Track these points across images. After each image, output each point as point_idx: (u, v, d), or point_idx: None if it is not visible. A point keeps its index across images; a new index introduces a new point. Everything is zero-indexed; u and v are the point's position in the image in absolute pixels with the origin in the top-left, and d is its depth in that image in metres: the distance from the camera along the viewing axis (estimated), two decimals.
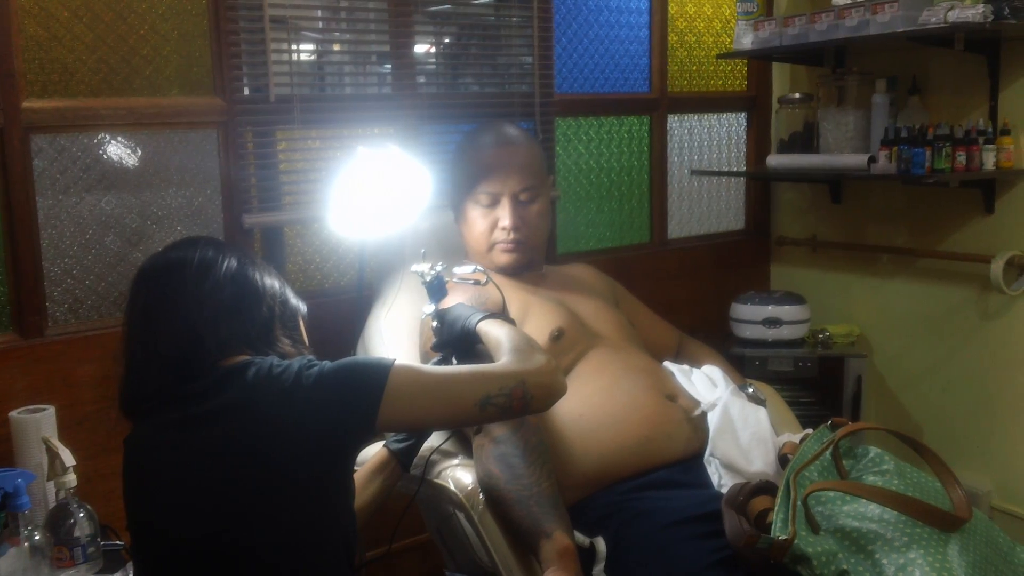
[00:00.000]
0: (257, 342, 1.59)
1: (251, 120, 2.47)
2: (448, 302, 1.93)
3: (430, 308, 1.91)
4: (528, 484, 1.75)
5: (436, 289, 1.91)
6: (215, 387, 1.50)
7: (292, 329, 1.67)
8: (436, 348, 1.90)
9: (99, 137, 2.31)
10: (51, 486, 2.02)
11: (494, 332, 1.77)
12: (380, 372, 1.51)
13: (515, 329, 1.79)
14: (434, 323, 1.90)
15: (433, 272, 1.90)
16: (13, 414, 2.08)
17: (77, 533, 1.93)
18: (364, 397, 1.49)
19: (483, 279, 1.99)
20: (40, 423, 2.08)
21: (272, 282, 1.65)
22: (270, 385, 1.48)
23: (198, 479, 1.48)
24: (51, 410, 2.11)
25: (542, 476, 1.76)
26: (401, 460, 1.85)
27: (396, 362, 1.52)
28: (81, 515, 1.94)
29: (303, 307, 1.72)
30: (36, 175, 2.21)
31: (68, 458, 1.98)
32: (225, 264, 1.59)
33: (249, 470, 1.46)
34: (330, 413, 1.48)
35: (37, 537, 1.90)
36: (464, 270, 1.99)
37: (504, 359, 1.64)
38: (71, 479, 1.97)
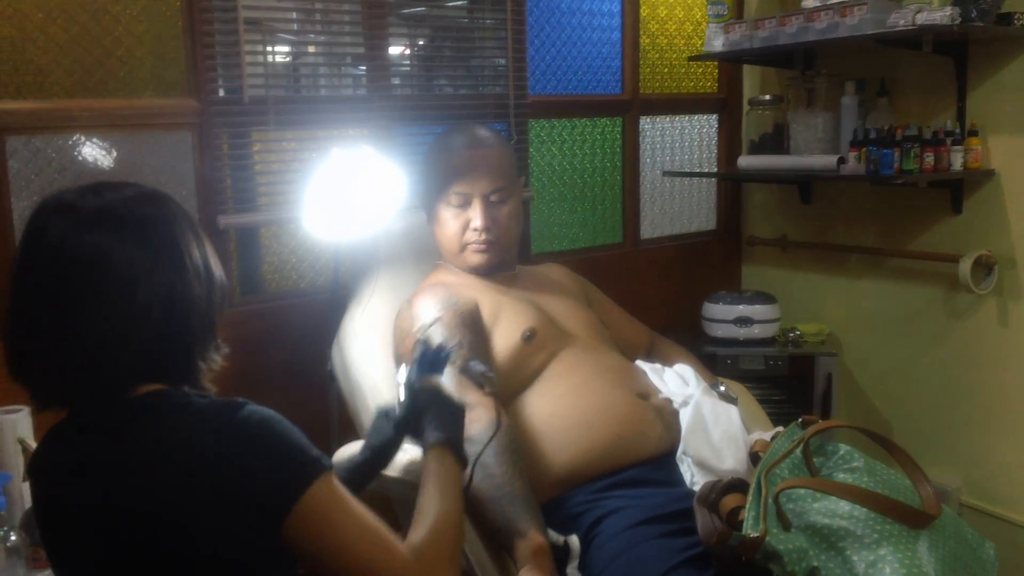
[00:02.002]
0: (175, 369, 1.33)
1: (226, 121, 2.47)
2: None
3: (406, 374, 1.72)
4: (501, 484, 1.75)
5: (434, 365, 1.72)
6: (121, 426, 1.27)
7: (213, 346, 1.39)
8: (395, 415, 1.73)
9: (74, 138, 2.29)
10: (27, 487, 2.01)
11: (431, 472, 1.55)
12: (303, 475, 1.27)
13: (448, 492, 1.52)
14: (401, 387, 1.72)
15: (446, 350, 1.74)
16: None
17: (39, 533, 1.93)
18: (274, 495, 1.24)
19: (490, 383, 1.88)
20: (15, 424, 2.06)
21: (202, 287, 1.35)
22: (184, 443, 1.24)
23: (85, 540, 1.29)
24: (26, 411, 2.09)
25: (515, 475, 1.77)
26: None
27: (325, 472, 1.28)
28: None
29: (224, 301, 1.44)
30: (11, 176, 2.20)
31: None
32: (166, 258, 1.31)
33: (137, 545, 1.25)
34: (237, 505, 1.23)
35: (13, 538, 1.90)
36: (477, 368, 1.89)
37: (416, 537, 1.40)
38: None
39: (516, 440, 1.86)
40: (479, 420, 1.83)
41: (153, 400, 1.29)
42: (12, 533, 1.91)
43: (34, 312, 1.27)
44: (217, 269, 1.39)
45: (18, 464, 2.02)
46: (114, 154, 2.36)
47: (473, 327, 2.05)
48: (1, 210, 2.19)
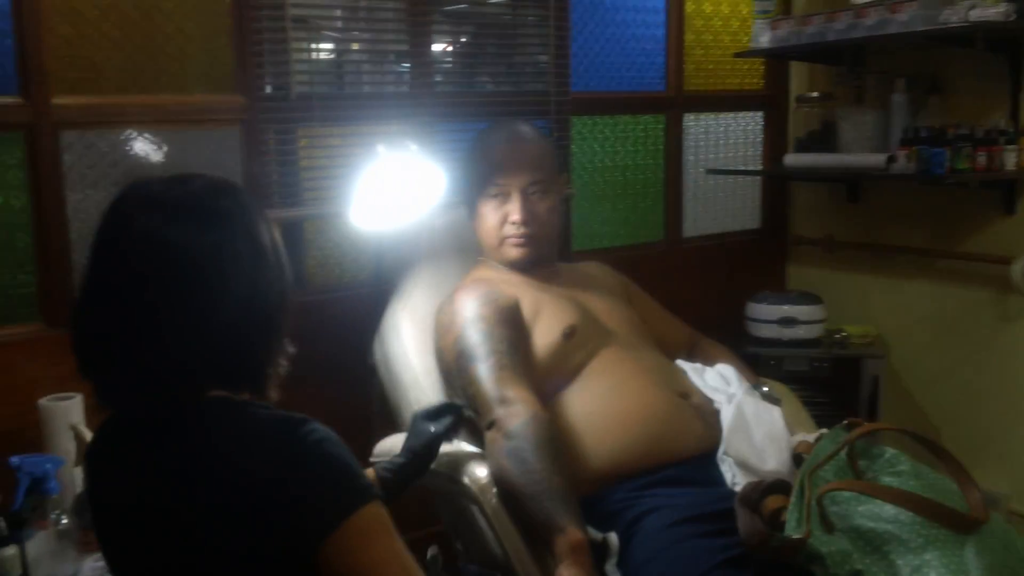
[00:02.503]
0: (246, 374, 1.31)
1: (273, 117, 2.50)
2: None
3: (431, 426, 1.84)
4: (540, 479, 1.75)
5: (448, 428, 1.86)
6: (184, 430, 1.26)
7: (282, 351, 1.36)
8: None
9: (126, 133, 2.34)
10: (78, 472, 2.05)
11: None
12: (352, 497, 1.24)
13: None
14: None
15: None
16: (42, 401, 2.12)
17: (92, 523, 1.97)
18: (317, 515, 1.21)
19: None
20: (68, 410, 2.11)
21: (280, 285, 1.33)
22: (240, 453, 1.22)
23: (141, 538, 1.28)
24: (79, 398, 2.14)
25: (554, 471, 1.77)
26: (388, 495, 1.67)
27: (375, 500, 1.26)
28: None
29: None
30: (65, 170, 2.25)
31: None
32: (248, 255, 1.28)
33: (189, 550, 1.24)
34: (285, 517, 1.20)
35: (64, 521, 1.94)
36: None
37: None
38: None
39: (556, 435, 1.86)
40: (518, 415, 1.84)
41: (217, 406, 1.27)
42: (64, 517, 1.95)
43: (113, 307, 1.24)
44: (289, 266, 1.36)
45: (70, 450, 2.07)
46: (164, 149, 2.40)
47: (513, 324, 2.05)
48: (56, 202, 2.24)
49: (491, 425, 1.87)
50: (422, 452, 1.81)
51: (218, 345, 1.25)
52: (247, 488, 1.20)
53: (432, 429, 1.84)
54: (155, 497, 1.24)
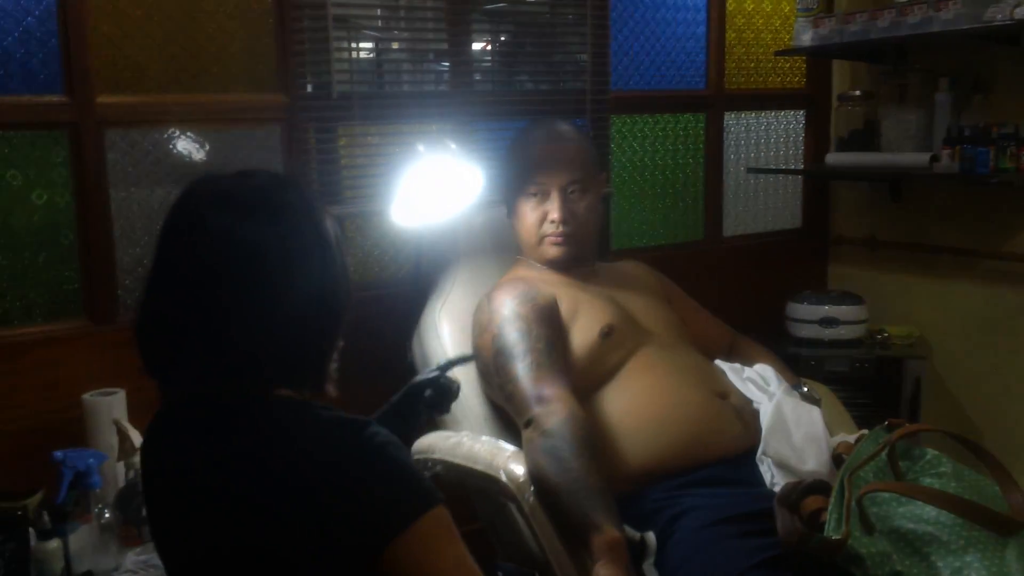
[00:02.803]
0: (311, 372, 1.33)
1: (313, 116, 2.52)
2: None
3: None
4: (577, 477, 1.75)
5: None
6: (249, 429, 1.26)
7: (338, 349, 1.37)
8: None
9: (169, 132, 2.37)
10: (121, 466, 2.08)
11: None
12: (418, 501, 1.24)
13: None
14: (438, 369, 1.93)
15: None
16: (86, 396, 2.15)
17: (145, 512, 1.99)
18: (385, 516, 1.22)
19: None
20: (111, 405, 2.14)
21: (343, 283, 1.34)
22: (305, 455, 1.21)
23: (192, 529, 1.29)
24: (121, 393, 2.17)
25: (591, 469, 1.77)
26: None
27: (439, 504, 1.26)
28: None
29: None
30: (109, 168, 2.28)
31: (138, 439, 2.04)
32: (318, 254, 1.29)
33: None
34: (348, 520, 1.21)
35: (107, 515, 1.97)
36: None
37: None
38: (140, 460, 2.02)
39: (593, 434, 1.85)
40: (556, 413, 1.84)
41: (283, 405, 1.27)
42: (107, 511, 1.97)
43: (181, 302, 1.25)
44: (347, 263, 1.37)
45: (113, 445, 2.09)
46: (207, 147, 2.43)
47: (551, 322, 2.05)
48: (100, 200, 2.27)
49: (528, 424, 1.88)
50: (399, 402, 1.87)
51: (284, 339, 1.26)
52: (311, 488, 1.20)
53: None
54: (219, 492, 1.24)
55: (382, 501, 1.21)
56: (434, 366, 1.96)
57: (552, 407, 1.85)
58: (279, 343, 1.26)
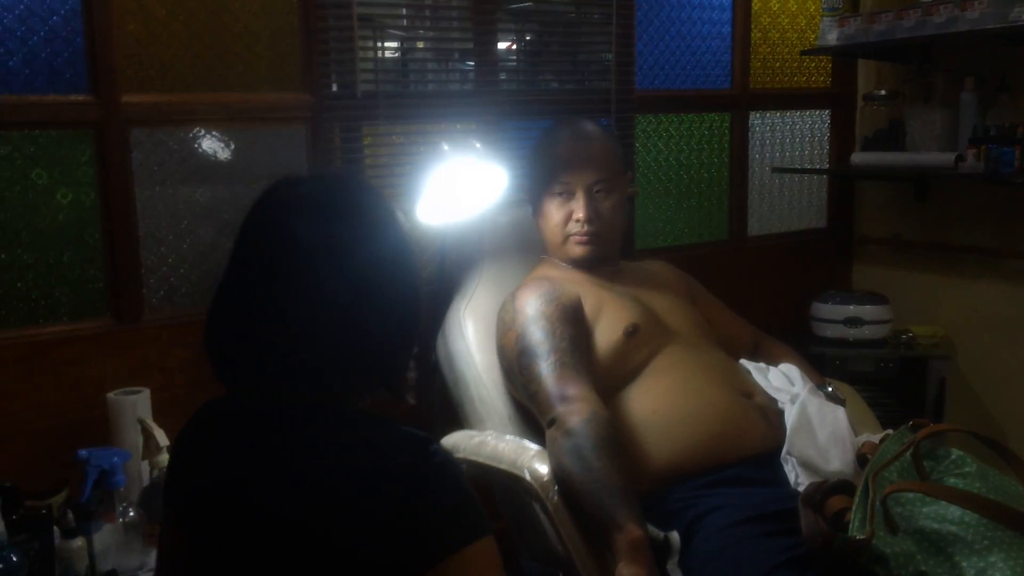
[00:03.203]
0: (386, 386, 1.31)
1: (338, 116, 2.52)
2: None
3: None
4: (599, 477, 1.75)
5: None
6: (320, 436, 1.23)
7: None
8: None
9: (194, 131, 2.38)
10: (145, 465, 2.09)
11: None
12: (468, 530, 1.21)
13: None
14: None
15: None
16: (110, 395, 2.17)
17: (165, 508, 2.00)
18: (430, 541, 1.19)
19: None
20: (136, 404, 2.15)
21: (422, 293, 1.33)
22: (368, 468, 1.19)
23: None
24: (146, 392, 2.19)
25: (613, 468, 1.76)
26: None
27: (490, 536, 1.23)
28: None
29: None
30: (135, 167, 2.29)
31: (162, 438, 2.05)
32: (403, 262, 1.28)
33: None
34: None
35: (131, 514, 1.98)
36: None
37: None
38: (165, 458, 2.03)
39: (616, 433, 1.85)
40: (579, 412, 1.84)
41: (350, 419, 1.25)
42: (131, 510, 1.98)
43: (264, 310, 1.23)
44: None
45: (137, 444, 2.11)
46: (232, 146, 2.44)
47: (575, 321, 2.05)
48: (125, 199, 2.28)
49: (551, 423, 1.87)
50: None
51: (365, 347, 1.24)
52: (360, 504, 1.18)
53: None
54: (269, 496, 1.22)
55: (432, 524, 1.19)
56: None
57: (575, 406, 1.85)
58: (360, 351, 1.24)
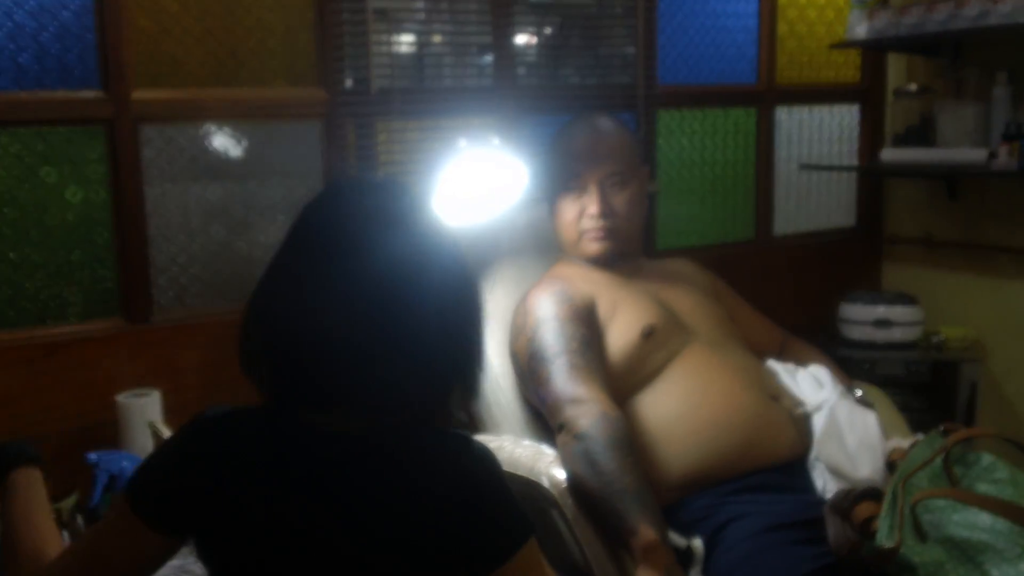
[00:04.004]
0: (438, 401, 1.30)
1: (353, 111, 2.52)
2: None
3: None
4: (611, 480, 1.72)
5: None
6: (375, 450, 1.24)
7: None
8: None
9: (206, 128, 2.38)
10: None
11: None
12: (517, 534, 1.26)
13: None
14: None
15: None
16: (120, 398, 2.16)
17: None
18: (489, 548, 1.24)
19: None
20: (145, 407, 2.15)
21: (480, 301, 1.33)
22: (420, 480, 1.22)
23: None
24: (156, 394, 2.18)
25: (625, 470, 1.73)
26: None
27: (534, 534, 1.28)
28: None
29: None
30: (145, 164, 2.29)
31: None
32: (461, 268, 1.28)
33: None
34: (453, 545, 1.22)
35: None
36: None
37: None
38: None
39: (628, 433, 1.81)
40: (588, 414, 1.80)
41: (401, 428, 1.25)
42: None
43: (336, 323, 1.20)
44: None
45: (147, 447, 2.09)
46: (244, 143, 2.44)
47: (587, 322, 2.02)
48: (136, 197, 2.28)
49: (561, 427, 1.85)
50: None
51: (425, 360, 1.23)
52: (421, 523, 1.20)
53: None
54: (321, 511, 1.22)
55: (488, 531, 1.23)
56: None
57: (584, 408, 1.82)
58: (419, 363, 1.23)
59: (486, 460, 1.26)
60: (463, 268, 1.29)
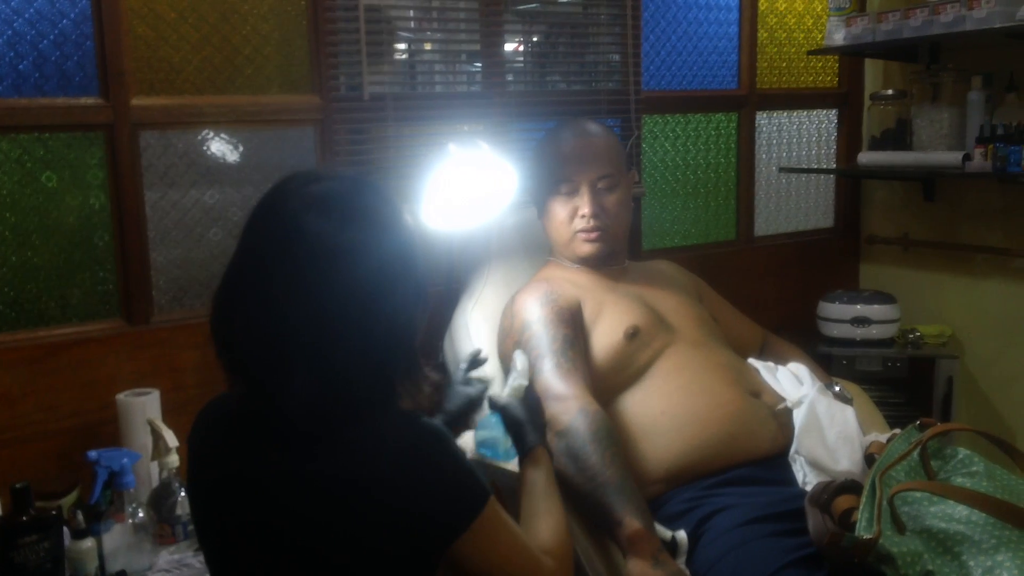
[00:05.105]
0: (383, 391, 1.31)
1: (346, 117, 2.53)
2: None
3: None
4: (594, 474, 1.75)
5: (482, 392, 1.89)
6: (320, 437, 1.26)
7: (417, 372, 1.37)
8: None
9: (203, 133, 2.38)
10: (155, 466, 2.09)
11: (539, 471, 1.64)
12: (476, 499, 1.31)
13: (554, 490, 1.62)
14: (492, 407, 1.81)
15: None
16: (120, 396, 2.17)
17: (179, 511, 2.01)
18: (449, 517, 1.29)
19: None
20: (145, 406, 2.16)
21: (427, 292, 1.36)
22: (367, 460, 1.25)
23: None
24: (156, 393, 2.19)
25: (606, 463, 1.76)
26: None
27: (491, 497, 1.34)
28: (183, 494, 2.01)
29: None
30: (144, 169, 2.30)
31: (171, 439, 2.06)
32: (410, 276, 1.30)
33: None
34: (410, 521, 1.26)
35: (141, 515, 1.98)
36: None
37: (545, 540, 1.47)
38: (174, 459, 2.04)
39: (609, 427, 1.83)
40: (568, 411, 1.84)
41: (348, 414, 1.27)
42: (140, 510, 1.99)
43: (276, 311, 1.22)
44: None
45: (147, 445, 2.11)
46: (241, 149, 2.44)
47: (572, 323, 2.05)
48: (135, 201, 2.29)
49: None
50: (457, 414, 1.89)
51: (361, 347, 1.25)
52: (379, 490, 1.23)
53: (468, 392, 1.91)
54: (285, 497, 1.26)
55: (444, 503, 1.27)
56: (461, 376, 1.97)
57: (564, 405, 1.85)
58: (358, 353, 1.25)
59: (434, 435, 1.28)
60: (407, 254, 1.30)
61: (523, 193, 2.38)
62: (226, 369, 1.30)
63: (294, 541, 1.25)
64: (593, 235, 2.20)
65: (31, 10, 2.16)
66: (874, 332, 3.18)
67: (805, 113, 3.58)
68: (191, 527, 2.00)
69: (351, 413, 1.26)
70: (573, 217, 2.21)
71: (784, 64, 3.47)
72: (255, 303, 1.24)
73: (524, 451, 1.69)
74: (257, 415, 1.30)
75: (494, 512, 1.33)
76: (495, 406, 1.78)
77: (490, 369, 2.18)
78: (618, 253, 2.29)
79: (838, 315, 3.22)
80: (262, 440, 1.29)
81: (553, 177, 2.23)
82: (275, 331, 1.23)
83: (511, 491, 2.00)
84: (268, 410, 1.28)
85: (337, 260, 1.23)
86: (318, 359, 1.23)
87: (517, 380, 1.81)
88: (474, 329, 2.28)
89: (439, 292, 2.46)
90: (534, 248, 2.42)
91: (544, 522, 1.51)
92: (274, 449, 1.27)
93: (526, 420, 1.72)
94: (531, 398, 1.81)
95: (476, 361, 2.02)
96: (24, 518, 1.80)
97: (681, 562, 1.75)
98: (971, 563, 1.47)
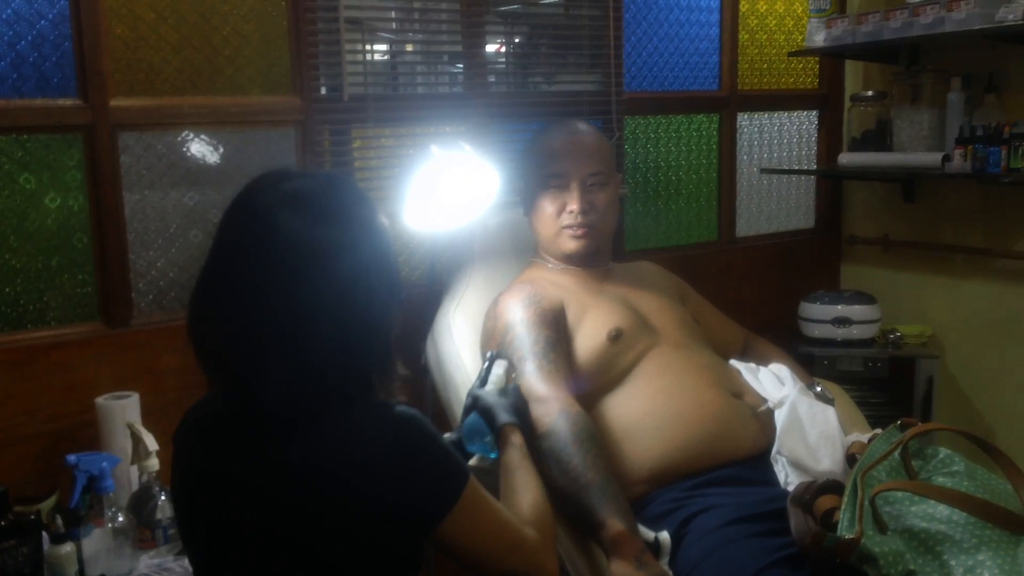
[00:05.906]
0: (357, 384, 1.33)
1: (327, 119, 2.52)
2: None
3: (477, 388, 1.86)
4: (577, 476, 1.75)
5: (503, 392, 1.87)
6: (296, 427, 1.28)
7: (391, 364, 1.40)
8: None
9: (183, 135, 2.37)
10: (135, 470, 2.08)
11: (513, 449, 1.68)
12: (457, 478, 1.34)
13: (530, 466, 1.66)
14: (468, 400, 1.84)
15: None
16: (99, 400, 2.16)
17: (159, 515, 2.00)
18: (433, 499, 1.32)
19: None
20: (125, 409, 2.14)
21: (397, 294, 1.38)
22: (346, 449, 1.27)
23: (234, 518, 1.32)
24: (135, 397, 2.18)
25: (589, 464, 1.76)
26: None
27: (471, 476, 1.37)
28: (163, 498, 2.01)
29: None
30: (123, 171, 2.28)
31: (151, 443, 2.04)
32: (383, 262, 1.33)
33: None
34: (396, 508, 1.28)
35: (121, 519, 1.97)
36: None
37: (528, 513, 1.51)
38: (154, 463, 2.03)
39: (590, 428, 1.84)
40: (550, 413, 1.84)
41: (326, 404, 1.29)
42: (120, 514, 1.98)
43: (251, 306, 1.24)
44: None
45: (126, 448, 2.10)
46: (221, 150, 2.43)
47: (555, 325, 2.05)
48: (114, 203, 2.27)
49: None
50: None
51: (336, 345, 1.27)
52: (359, 477, 1.25)
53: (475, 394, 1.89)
54: (270, 495, 1.27)
55: (424, 489, 1.29)
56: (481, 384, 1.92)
57: (546, 407, 1.85)
58: (333, 351, 1.27)
59: (410, 421, 1.31)
60: (380, 249, 1.32)
61: (509, 191, 2.38)
62: (205, 370, 1.32)
63: (279, 534, 1.27)
64: (580, 231, 2.20)
65: (9, 11, 2.14)
66: (855, 332, 3.19)
67: (786, 114, 3.59)
68: (172, 531, 1.99)
69: (328, 403, 1.28)
70: (561, 212, 2.21)
71: (765, 65, 3.48)
72: (231, 299, 1.26)
73: (495, 431, 1.72)
74: (238, 412, 1.32)
75: (475, 491, 1.36)
76: (469, 396, 1.81)
77: (471, 366, 2.19)
78: (603, 253, 2.29)
79: (819, 315, 3.22)
80: (243, 436, 1.31)
81: (543, 172, 2.23)
82: (252, 326, 1.25)
83: (494, 491, 2.01)
84: (248, 404, 1.30)
85: (311, 256, 1.25)
86: (295, 352, 1.25)
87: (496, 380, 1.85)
88: (456, 330, 2.28)
89: (421, 293, 2.46)
90: (517, 249, 2.43)
91: (522, 496, 1.54)
92: (255, 442, 1.29)
93: (495, 403, 1.75)
94: (510, 388, 1.83)
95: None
96: (2, 523, 1.79)
97: (664, 563, 1.75)
98: (952, 562, 1.48)
